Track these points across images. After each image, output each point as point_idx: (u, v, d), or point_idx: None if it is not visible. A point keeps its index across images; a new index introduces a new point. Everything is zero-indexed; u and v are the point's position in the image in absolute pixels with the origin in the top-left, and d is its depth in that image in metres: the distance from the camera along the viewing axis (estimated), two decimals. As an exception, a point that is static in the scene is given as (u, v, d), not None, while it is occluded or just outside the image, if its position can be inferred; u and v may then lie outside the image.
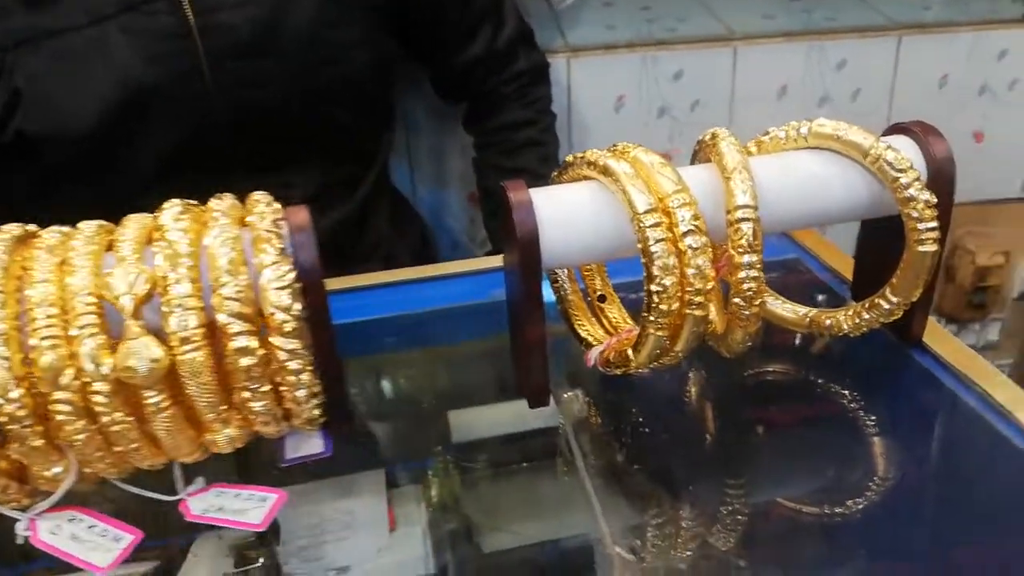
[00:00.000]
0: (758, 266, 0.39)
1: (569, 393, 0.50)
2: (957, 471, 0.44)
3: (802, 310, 0.45)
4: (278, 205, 0.40)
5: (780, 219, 0.41)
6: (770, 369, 0.50)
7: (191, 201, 0.39)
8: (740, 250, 0.38)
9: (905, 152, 0.41)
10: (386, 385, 0.58)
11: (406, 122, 1.18)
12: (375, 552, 0.42)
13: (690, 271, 0.37)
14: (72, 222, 0.38)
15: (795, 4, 1.34)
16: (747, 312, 0.40)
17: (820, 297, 0.57)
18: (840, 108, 1.27)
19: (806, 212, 0.41)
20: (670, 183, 0.38)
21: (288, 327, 0.35)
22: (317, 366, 0.36)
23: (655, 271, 0.37)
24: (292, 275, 0.35)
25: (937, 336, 0.49)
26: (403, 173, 1.21)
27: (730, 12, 1.32)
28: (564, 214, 0.39)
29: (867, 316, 0.43)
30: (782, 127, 0.42)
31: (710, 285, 0.38)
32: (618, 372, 0.44)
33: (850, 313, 0.44)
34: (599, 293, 0.48)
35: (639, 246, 0.37)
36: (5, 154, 0.76)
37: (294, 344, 0.35)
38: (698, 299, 0.38)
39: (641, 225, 0.37)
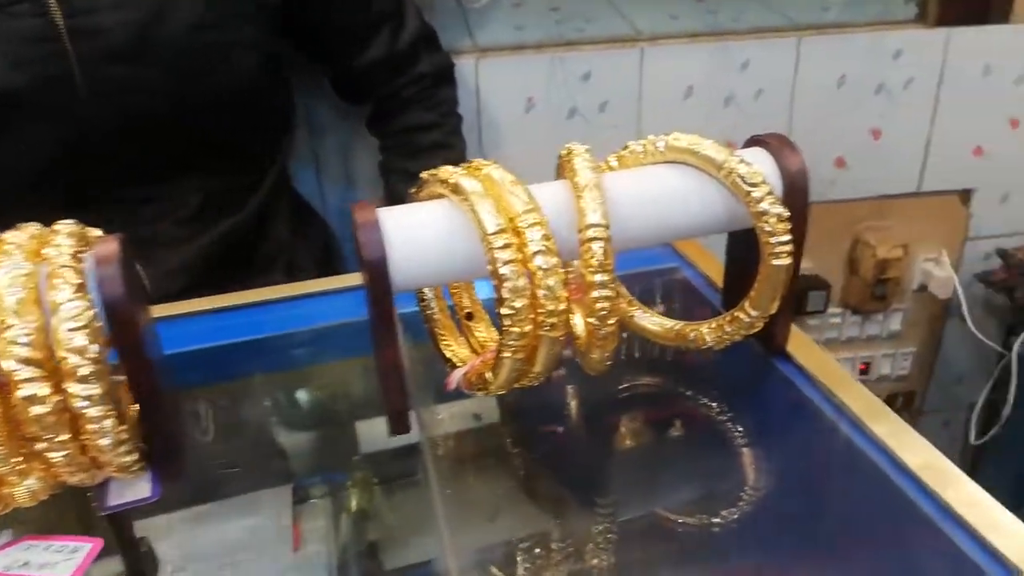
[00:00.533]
0: (611, 285, 0.38)
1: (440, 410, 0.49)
2: (812, 479, 0.45)
3: (668, 323, 0.45)
4: (93, 233, 0.38)
5: (635, 236, 0.41)
6: (640, 381, 0.50)
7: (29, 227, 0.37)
8: (591, 270, 0.38)
9: (760, 166, 0.42)
10: (300, 397, 0.56)
11: (310, 123, 1.16)
12: (278, 574, 0.41)
13: (541, 292, 0.37)
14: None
15: (700, 5, 1.35)
16: (603, 332, 0.39)
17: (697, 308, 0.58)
18: (744, 108, 1.29)
19: (662, 227, 0.41)
20: (520, 202, 0.37)
21: (84, 371, 0.33)
22: (142, 406, 0.35)
23: (505, 293, 0.37)
24: (90, 313, 0.33)
25: (801, 345, 0.50)
26: (309, 176, 1.19)
27: (637, 13, 1.32)
28: (414, 235, 0.38)
29: (729, 329, 0.43)
30: (640, 141, 0.42)
31: (562, 306, 0.38)
32: (480, 394, 0.43)
33: (713, 326, 0.44)
34: (466, 311, 0.48)
35: (489, 268, 0.37)
36: None
37: (92, 390, 0.33)
38: (551, 320, 0.38)
39: (490, 246, 0.37)
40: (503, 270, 0.36)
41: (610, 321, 0.39)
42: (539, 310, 0.37)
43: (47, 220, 0.76)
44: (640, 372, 0.51)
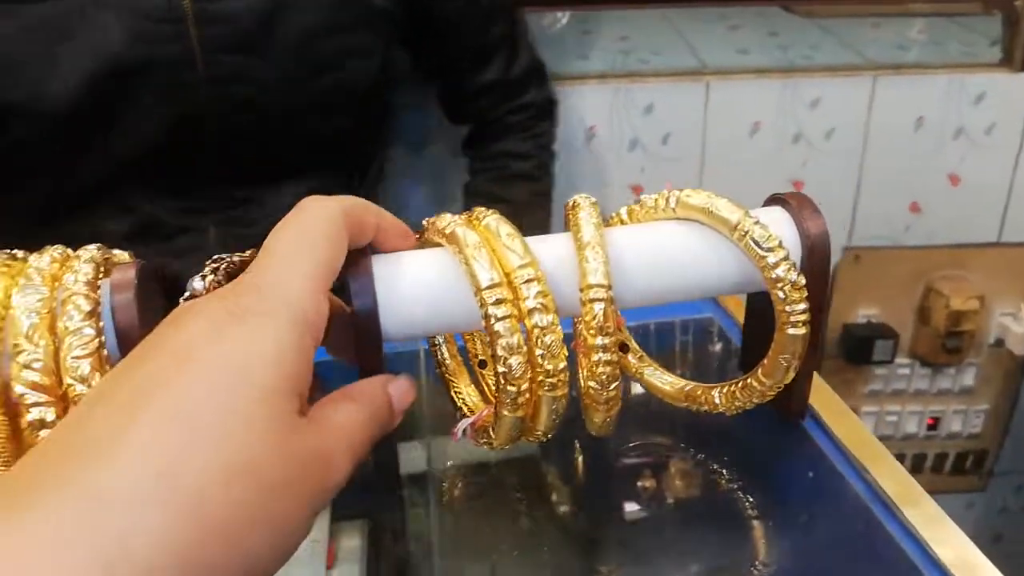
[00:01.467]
0: (613, 349, 0.37)
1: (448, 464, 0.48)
2: (827, 565, 0.42)
3: (679, 383, 0.43)
4: (118, 258, 0.38)
5: (640, 296, 0.39)
6: (653, 440, 0.48)
7: (14, 252, 0.37)
8: (592, 332, 0.36)
9: (778, 227, 0.39)
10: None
11: (407, 140, 1.18)
12: None
13: (538, 351, 0.36)
14: (34, 211, 0.36)
15: (772, 40, 1.32)
16: (604, 396, 0.38)
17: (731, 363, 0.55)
18: (814, 146, 1.25)
19: (670, 288, 0.40)
20: (516, 256, 0.36)
21: None
22: None
23: (499, 351, 0.35)
24: (95, 342, 0.33)
25: (833, 412, 0.47)
26: (403, 191, 1.21)
27: (706, 46, 1.30)
28: (408, 285, 0.37)
29: (740, 396, 0.41)
30: (654, 195, 0.41)
31: (562, 364, 0.36)
32: (485, 447, 0.42)
33: (724, 391, 0.42)
34: (479, 359, 0.47)
35: (483, 323, 0.36)
36: None
37: None
38: (551, 380, 0.36)
39: (484, 301, 0.35)
40: (497, 327, 0.35)
41: (612, 386, 0.37)
42: (537, 368, 0.36)
43: (148, 204, 0.78)
44: (653, 429, 0.49)
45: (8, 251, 0.37)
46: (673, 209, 0.40)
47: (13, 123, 0.74)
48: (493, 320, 0.35)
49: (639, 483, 0.46)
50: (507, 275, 0.36)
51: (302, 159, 0.84)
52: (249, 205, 0.83)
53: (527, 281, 0.36)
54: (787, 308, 0.39)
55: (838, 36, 1.30)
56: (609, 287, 0.36)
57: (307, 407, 0.29)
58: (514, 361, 0.35)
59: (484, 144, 1.02)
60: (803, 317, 0.39)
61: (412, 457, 0.49)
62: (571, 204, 0.39)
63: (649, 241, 0.40)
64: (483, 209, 0.39)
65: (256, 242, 0.32)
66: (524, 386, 0.36)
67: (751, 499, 0.44)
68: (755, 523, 0.43)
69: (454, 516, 0.46)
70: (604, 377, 0.37)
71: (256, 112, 0.78)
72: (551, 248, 0.38)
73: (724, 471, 0.46)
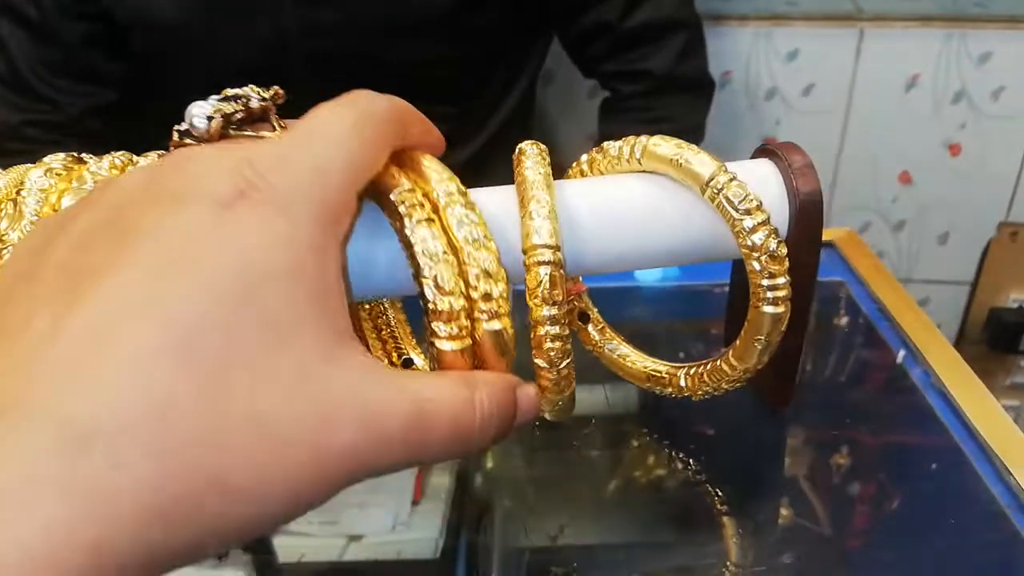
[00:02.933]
0: (563, 321, 0.32)
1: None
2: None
3: (643, 362, 0.38)
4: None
5: (591, 262, 0.34)
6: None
7: (80, 155, 0.34)
8: (537, 302, 0.31)
9: (762, 185, 0.33)
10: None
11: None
12: (391, 525, 0.40)
13: (472, 270, 0.30)
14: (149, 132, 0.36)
15: (938, -15, 1.17)
16: (553, 376, 0.33)
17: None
18: (979, 107, 1.11)
19: (629, 252, 0.34)
20: (435, 175, 0.31)
21: None
22: None
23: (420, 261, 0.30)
24: None
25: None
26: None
27: (863, -12, 1.18)
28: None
29: (708, 380, 0.35)
30: (619, 142, 0.35)
31: (501, 286, 0.30)
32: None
33: (691, 373, 0.36)
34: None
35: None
36: (105, 40, 0.80)
37: None
38: (489, 307, 0.30)
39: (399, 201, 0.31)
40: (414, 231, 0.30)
41: (562, 364, 0.33)
42: (472, 291, 0.30)
43: None
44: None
45: (75, 154, 0.35)
46: (639, 160, 0.34)
47: (132, 35, 0.80)
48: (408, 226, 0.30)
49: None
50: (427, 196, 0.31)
51: (394, 88, 0.82)
52: None
53: (448, 194, 0.31)
54: (763, 282, 0.33)
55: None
56: (557, 248, 0.31)
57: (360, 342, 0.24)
58: (442, 272, 0.30)
59: (604, 119, 0.89)
60: (782, 293, 0.33)
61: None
62: (517, 152, 0.34)
63: (606, 197, 0.34)
64: None
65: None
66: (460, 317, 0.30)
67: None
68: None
69: (543, 466, 0.43)
70: (553, 354, 0.32)
71: (342, 37, 0.77)
72: (492, 202, 0.34)
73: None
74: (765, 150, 0.35)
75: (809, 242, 0.33)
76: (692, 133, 0.89)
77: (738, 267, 0.39)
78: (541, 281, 0.31)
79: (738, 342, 0.34)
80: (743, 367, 0.35)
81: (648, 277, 0.58)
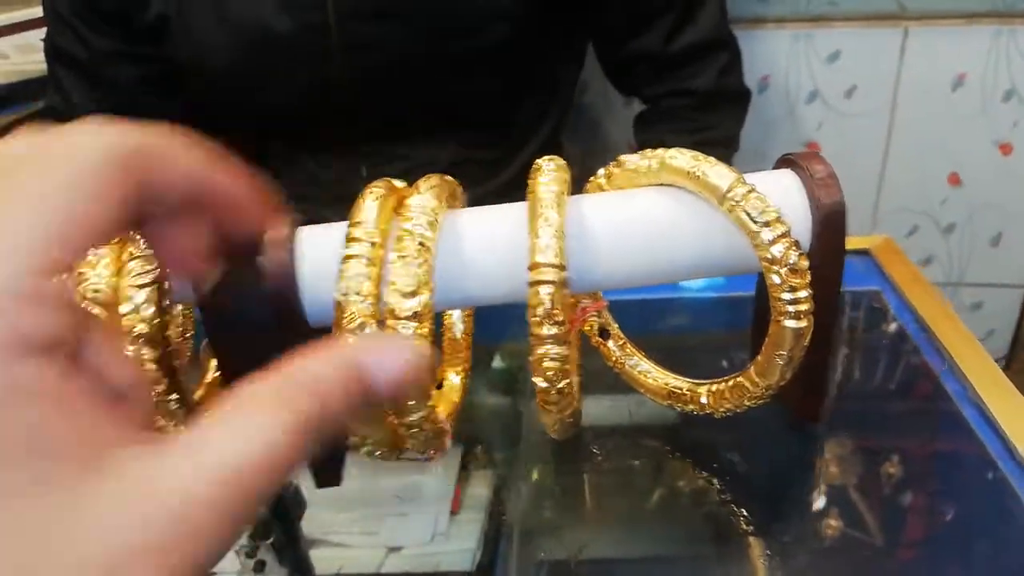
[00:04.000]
0: (565, 339, 0.32)
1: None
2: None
3: (665, 378, 0.37)
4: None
5: (602, 279, 0.33)
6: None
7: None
8: (536, 320, 0.31)
9: (783, 196, 0.32)
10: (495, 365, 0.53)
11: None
12: (430, 535, 0.40)
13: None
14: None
15: (986, -20, 1.14)
16: (552, 395, 0.32)
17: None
18: (1031, 104, 1.08)
19: (642, 269, 0.33)
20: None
21: None
22: None
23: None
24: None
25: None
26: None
27: (907, -14, 1.15)
28: (333, 256, 0.34)
29: (729, 396, 0.35)
30: (637, 155, 0.35)
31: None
32: None
33: (713, 390, 0.35)
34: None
35: None
36: (158, 83, 0.83)
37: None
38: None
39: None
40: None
41: (560, 383, 0.32)
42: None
43: (294, 164, 0.84)
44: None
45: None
46: (656, 173, 0.34)
47: (189, 79, 0.81)
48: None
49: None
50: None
51: (446, 120, 0.83)
52: (401, 161, 0.83)
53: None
54: (783, 296, 0.32)
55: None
56: (562, 267, 0.31)
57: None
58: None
59: (641, 130, 0.90)
60: (804, 307, 0.32)
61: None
62: (533, 168, 0.34)
63: (621, 212, 0.34)
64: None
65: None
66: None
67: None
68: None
69: (579, 477, 0.43)
70: (551, 373, 0.32)
71: (392, 76, 0.78)
72: (504, 220, 0.34)
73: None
74: (787, 160, 0.34)
75: (832, 254, 0.32)
76: (730, 144, 0.90)
77: (762, 280, 0.38)
78: (542, 301, 0.31)
79: (760, 358, 0.33)
80: (765, 383, 0.34)
81: (691, 286, 0.57)
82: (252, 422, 0.19)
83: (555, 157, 0.34)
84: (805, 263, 0.31)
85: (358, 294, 0.29)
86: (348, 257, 0.30)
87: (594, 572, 0.37)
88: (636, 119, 0.93)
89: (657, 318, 0.51)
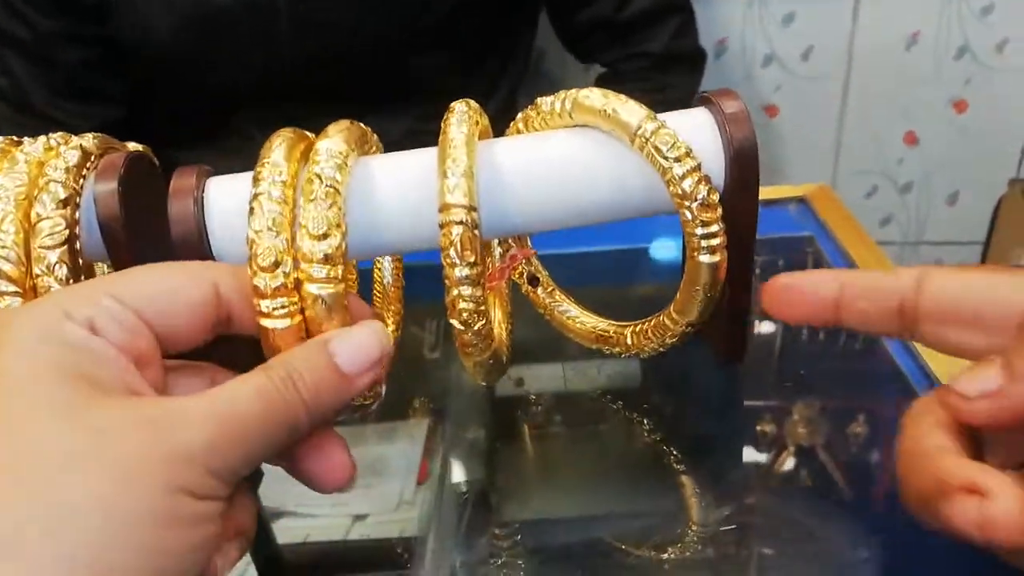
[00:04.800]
0: (478, 281, 0.31)
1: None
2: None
3: (591, 322, 0.37)
4: (128, 147, 0.35)
5: (515, 221, 0.33)
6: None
7: (19, 139, 0.34)
8: (450, 262, 0.31)
9: (695, 133, 0.32)
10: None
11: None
12: (396, 504, 0.41)
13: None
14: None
15: (936, -63, 1.15)
16: (468, 337, 0.32)
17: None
18: (983, 62, 1.09)
19: (557, 210, 0.33)
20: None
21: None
22: None
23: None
24: (66, 232, 0.30)
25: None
26: None
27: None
28: (243, 204, 0.33)
29: (652, 336, 0.35)
30: (553, 95, 0.34)
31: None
32: None
33: (636, 330, 0.35)
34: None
35: None
36: (103, 63, 0.82)
37: None
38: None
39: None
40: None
41: (476, 325, 0.32)
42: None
43: (252, 139, 0.84)
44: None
45: (13, 137, 0.35)
46: (570, 113, 0.34)
47: (135, 58, 0.81)
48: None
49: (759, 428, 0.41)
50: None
51: (399, 95, 0.83)
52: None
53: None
54: (697, 231, 0.32)
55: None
56: (472, 208, 0.31)
57: None
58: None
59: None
60: (716, 242, 0.32)
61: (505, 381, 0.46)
62: (448, 110, 0.34)
63: (534, 153, 0.34)
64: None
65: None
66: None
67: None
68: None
69: (542, 443, 0.43)
70: (466, 315, 0.32)
71: (342, 55, 0.78)
72: (417, 165, 0.33)
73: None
74: (703, 99, 0.34)
75: (745, 190, 0.32)
76: (688, 103, 0.91)
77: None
78: (453, 241, 0.30)
79: (678, 295, 0.34)
80: (685, 320, 0.34)
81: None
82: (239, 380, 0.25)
83: (469, 100, 0.34)
84: (715, 197, 0.31)
85: (270, 229, 0.29)
86: (257, 195, 0.29)
87: (527, 531, 0.38)
88: (595, 83, 0.93)
89: (593, 270, 0.51)
